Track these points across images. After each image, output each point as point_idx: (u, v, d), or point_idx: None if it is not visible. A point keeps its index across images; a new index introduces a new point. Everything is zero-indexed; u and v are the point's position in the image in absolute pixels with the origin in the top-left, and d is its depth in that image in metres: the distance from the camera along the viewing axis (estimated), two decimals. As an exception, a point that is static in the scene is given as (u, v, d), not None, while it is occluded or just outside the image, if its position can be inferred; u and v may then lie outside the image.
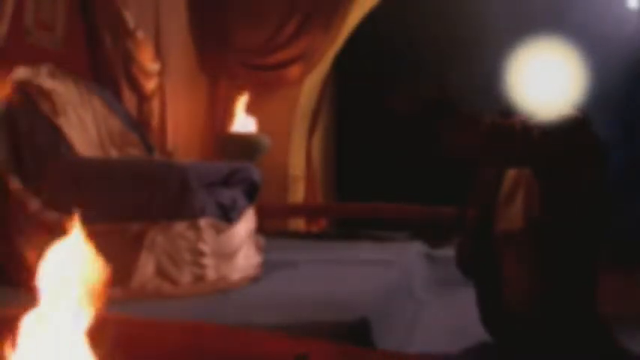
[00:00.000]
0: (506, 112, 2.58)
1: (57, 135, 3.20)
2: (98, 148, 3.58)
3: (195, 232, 3.05)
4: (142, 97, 4.63)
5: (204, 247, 3.07)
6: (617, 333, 2.54)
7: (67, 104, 3.42)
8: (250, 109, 5.67)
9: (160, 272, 2.96)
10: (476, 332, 2.70)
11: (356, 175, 7.03)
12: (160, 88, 4.84)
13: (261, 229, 3.66)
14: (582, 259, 2.51)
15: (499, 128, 2.48)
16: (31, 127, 3.15)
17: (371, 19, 6.19)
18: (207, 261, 3.07)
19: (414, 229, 4.98)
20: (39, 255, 1.23)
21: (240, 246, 3.31)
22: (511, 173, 2.56)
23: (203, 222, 3.08)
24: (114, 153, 3.67)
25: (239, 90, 5.73)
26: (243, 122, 5.62)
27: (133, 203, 2.98)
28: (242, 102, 5.67)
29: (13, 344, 1.20)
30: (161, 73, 4.81)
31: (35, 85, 3.27)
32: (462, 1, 6.21)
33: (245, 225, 3.41)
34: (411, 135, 6.19)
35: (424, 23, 6.45)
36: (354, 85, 6.99)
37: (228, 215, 3.25)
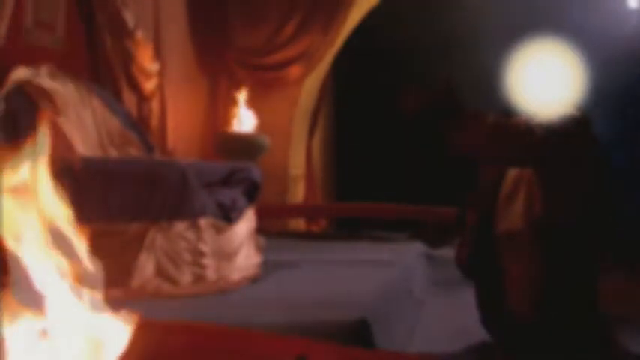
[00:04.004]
0: (507, 112, 2.58)
1: (56, 135, 3.19)
2: (98, 148, 3.57)
3: (195, 232, 3.05)
4: (142, 97, 4.63)
5: (204, 247, 3.07)
6: (617, 333, 2.54)
7: (67, 104, 3.42)
8: (250, 108, 5.67)
9: (160, 272, 2.96)
10: (476, 332, 2.70)
11: (356, 175, 7.03)
12: (160, 88, 4.84)
13: (261, 229, 3.65)
14: (583, 260, 2.50)
15: (502, 128, 2.47)
16: (31, 128, 3.14)
17: (371, 19, 6.20)
18: (207, 261, 3.07)
19: (414, 229, 4.98)
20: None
21: (240, 246, 3.31)
22: (512, 173, 2.56)
23: (203, 222, 3.08)
24: (113, 153, 3.66)
25: (238, 86, 5.73)
26: (244, 117, 5.62)
27: (133, 203, 2.97)
28: (242, 98, 5.66)
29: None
30: (161, 73, 4.81)
31: (35, 85, 3.27)
32: (461, 1, 6.21)
33: (245, 225, 3.40)
34: (411, 135, 6.19)
35: (424, 23, 6.45)
36: (354, 85, 7.00)
37: (228, 215, 3.25)
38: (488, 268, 2.60)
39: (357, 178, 6.98)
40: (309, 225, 6.36)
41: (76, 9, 4.10)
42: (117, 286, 2.79)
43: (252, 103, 5.69)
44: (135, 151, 3.77)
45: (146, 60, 4.54)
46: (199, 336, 1.88)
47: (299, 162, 6.38)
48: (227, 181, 3.46)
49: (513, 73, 2.62)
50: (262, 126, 5.64)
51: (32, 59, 3.43)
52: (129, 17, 4.30)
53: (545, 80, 2.67)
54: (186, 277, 3.00)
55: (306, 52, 5.84)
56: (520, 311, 2.52)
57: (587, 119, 2.56)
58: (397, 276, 3.62)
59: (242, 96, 5.68)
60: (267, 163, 5.27)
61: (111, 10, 4.20)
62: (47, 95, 3.28)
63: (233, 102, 5.72)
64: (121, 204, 2.96)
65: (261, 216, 3.67)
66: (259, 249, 3.52)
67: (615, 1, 6.18)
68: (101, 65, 4.25)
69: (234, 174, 3.49)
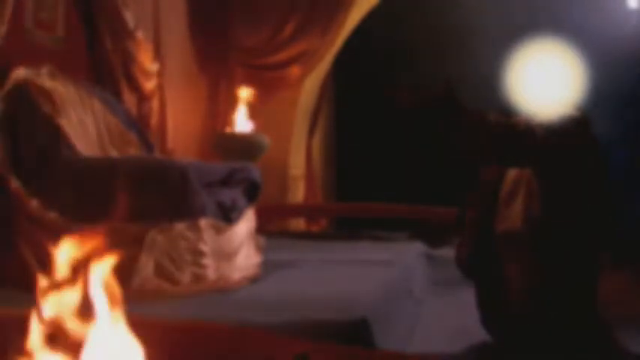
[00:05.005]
0: (507, 112, 2.58)
1: (57, 135, 3.19)
2: (98, 148, 3.57)
3: (195, 233, 3.05)
4: (142, 97, 4.63)
5: (204, 248, 3.07)
6: (617, 333, 2.54)
7: (67, 104, 3.42)
8: (251, 110, 5.66)
9: (160, 272, 2.96)
10: (476, 332, 2.70)
11: (356, 175, 7.03)
12: (160, 88, 4.84)
13: (261, 229, 3.65)
14: (583, 260, 2.50)
15: (502, 128, 2.48)
16: (31, 127, 3.14)
17: (371, 18, 6.20)
18: (207, 261, 3.07)
19: (414, 229, 4.98)
20: (38, 255, 1.23)
21: (240, 246, 3.31)
22: (512, 173, 2.56)
23: (203, 222, 3.08)
24: (113, 153, 3.66)
25: (238, 86, 5.72)
26: (243, 121, 5.61)
27: (132, 203, 2.97)
28: (244, 97, 5.64)
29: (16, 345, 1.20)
30: (161, 73, 4.81)
31: (35, 85, 3.26)
32: (462, 1, 6.21)
33: (245, 225, 3.40)
34: (411, 135, 6.20)
35: (424, 23, 6.45)
36: (354, 85, 7.00)
37: (228, 215, 3.25)
38: (488, 268, 2.60)
39: (357, 178, 6.98)
40: (309, 225, 6.36)
41: (76, 9, 4.10)
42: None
43: (253, 102, 5.68)
44: (135, 151, 3.77)
45: (146, 60, 4.54)
46: (199, 336, 1.88)
47: (299, 162, 6.38)
48: (227, 181, 3.46)
49: (513, 73, 2.62)
50: (262, 126, 5.63)
51: (32, 59, 3.43)
52: (129, 17, 4.30)
53: (545, 80, 2.67)
54: (186, 277, 3.00)
55: (306, 52, 5.84)
56: (520, 311, 2.52)
57: (587, 119, 2.56)
58: (397, 276, 3.62)
59: (243, 94, 5.64)
60: (267, 163, 5.27)
61: (111, 10, 4.20)
62: (47, 95, 3.28)
63: (233, 102, 5.71)
64: (121, 204, 2.96)
65: (261, 216, 3.67)
66: (259, 249, 3.52)
67: (615, 1, 6.19)
68: (101, 65, 4.25)
69: (234, 174, 3.49)
